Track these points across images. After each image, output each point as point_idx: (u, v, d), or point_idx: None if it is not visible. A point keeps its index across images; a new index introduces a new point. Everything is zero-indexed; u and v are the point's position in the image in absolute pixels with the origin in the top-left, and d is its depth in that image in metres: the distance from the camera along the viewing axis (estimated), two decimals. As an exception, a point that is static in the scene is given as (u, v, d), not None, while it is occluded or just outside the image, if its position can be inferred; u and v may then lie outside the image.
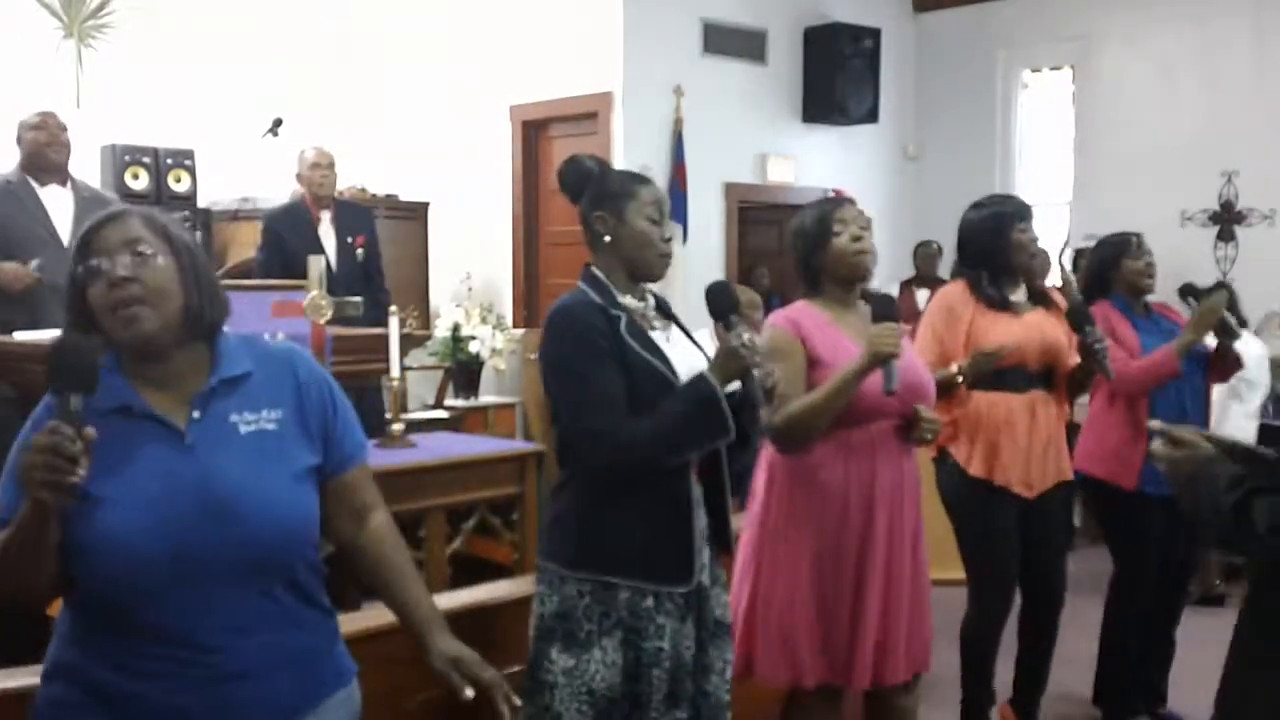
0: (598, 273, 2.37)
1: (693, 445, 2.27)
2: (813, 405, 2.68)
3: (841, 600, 2.75)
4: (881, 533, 2.76)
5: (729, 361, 2.23)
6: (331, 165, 5.62)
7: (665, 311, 2.47)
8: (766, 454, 2.88)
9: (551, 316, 2.34)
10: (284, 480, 1.74)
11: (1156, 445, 1.87)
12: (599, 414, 2.23)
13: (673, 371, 2.29)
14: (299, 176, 5.60)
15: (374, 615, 2.46)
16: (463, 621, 2.64)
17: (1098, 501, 3.90)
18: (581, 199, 2.42)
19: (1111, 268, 3.86)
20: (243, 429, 1.73)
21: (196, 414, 1.71)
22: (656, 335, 2.37)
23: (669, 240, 2.40)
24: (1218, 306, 3.68)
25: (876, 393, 2.67)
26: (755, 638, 2.81)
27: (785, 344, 2.75)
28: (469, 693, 1.86)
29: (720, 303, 2.34)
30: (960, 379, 3.33)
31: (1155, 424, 1.92)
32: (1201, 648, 4.32)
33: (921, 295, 7.50)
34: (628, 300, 2.36)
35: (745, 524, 2.91)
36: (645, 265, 2.37)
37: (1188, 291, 3.98)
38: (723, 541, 2.47)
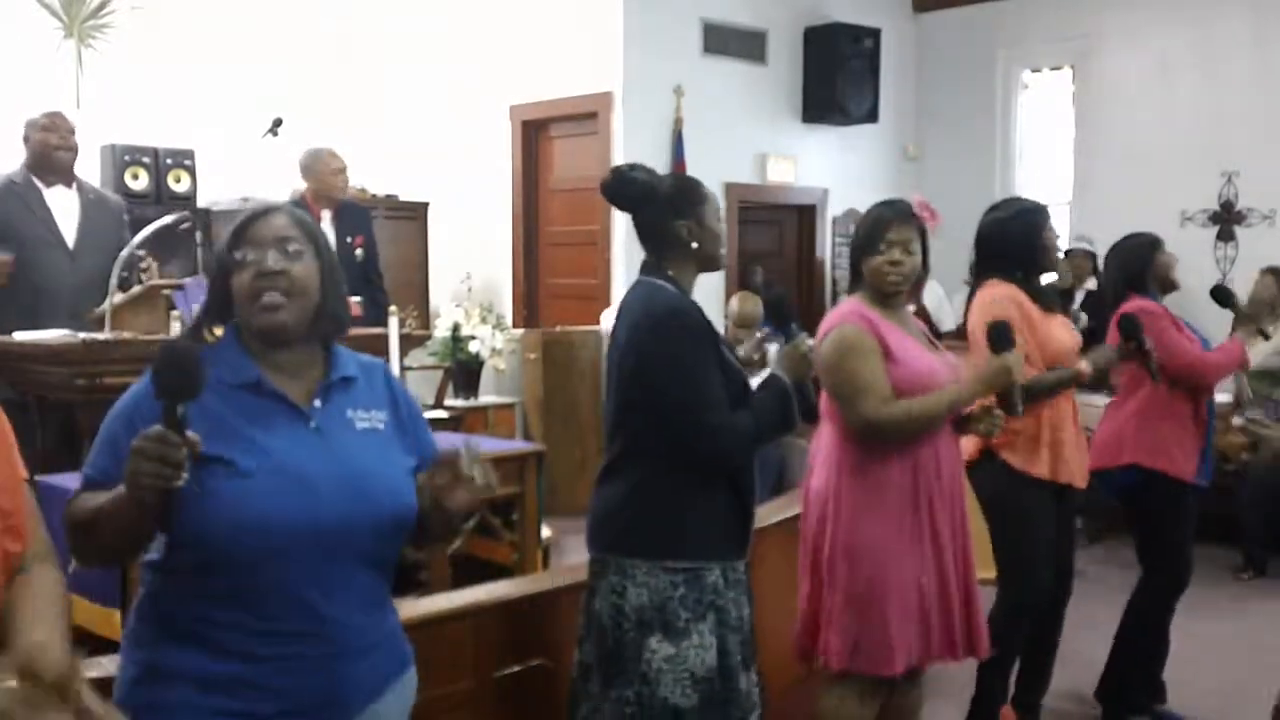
0: (674, 276, 2.54)
1: (769, 439, 2.55)
2: (930, 409, 2.83)
3: (922, 591, 2.85)
4: (946, 518, 2.89)
5: (799, 365, 2.53)
6: (346, 169, 5.67)
7: None
8: (830, 451, 2.92)
9: (663, 315, 2.45)
10: (400, 470, 1.84)
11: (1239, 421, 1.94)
12: (716, 411, 2.41)
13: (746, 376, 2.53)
14: (314, 177, 5.58)
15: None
16: (463, 622, 2.65)
17: (1151, 496, 3.79)
18: (646, 209, 2.56)
19: (1147, 264, 3.87)
20: (358, 424, 1.83)
21: (318, 402, 1.80)
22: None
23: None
24: (1267, 299, 3.77)
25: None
26: (837, 629, 2.85)
27: (868, 342, 2.85)
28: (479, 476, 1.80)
29: (783, 311, 2.58)
30: (1087, 374, 3.45)
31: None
32: (1199, 647, 4.34)
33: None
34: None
35: (803, 516, 2.98)
36: (717, 261, 2.60)
37: (1220, 292, 4.00)
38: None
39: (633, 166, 2.59)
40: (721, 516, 2.47)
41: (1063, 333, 3.49)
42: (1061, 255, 7.42)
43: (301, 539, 1.69)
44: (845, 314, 2.92)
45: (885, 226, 2.89)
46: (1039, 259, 3.49)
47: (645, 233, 2.57)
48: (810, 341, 2.52)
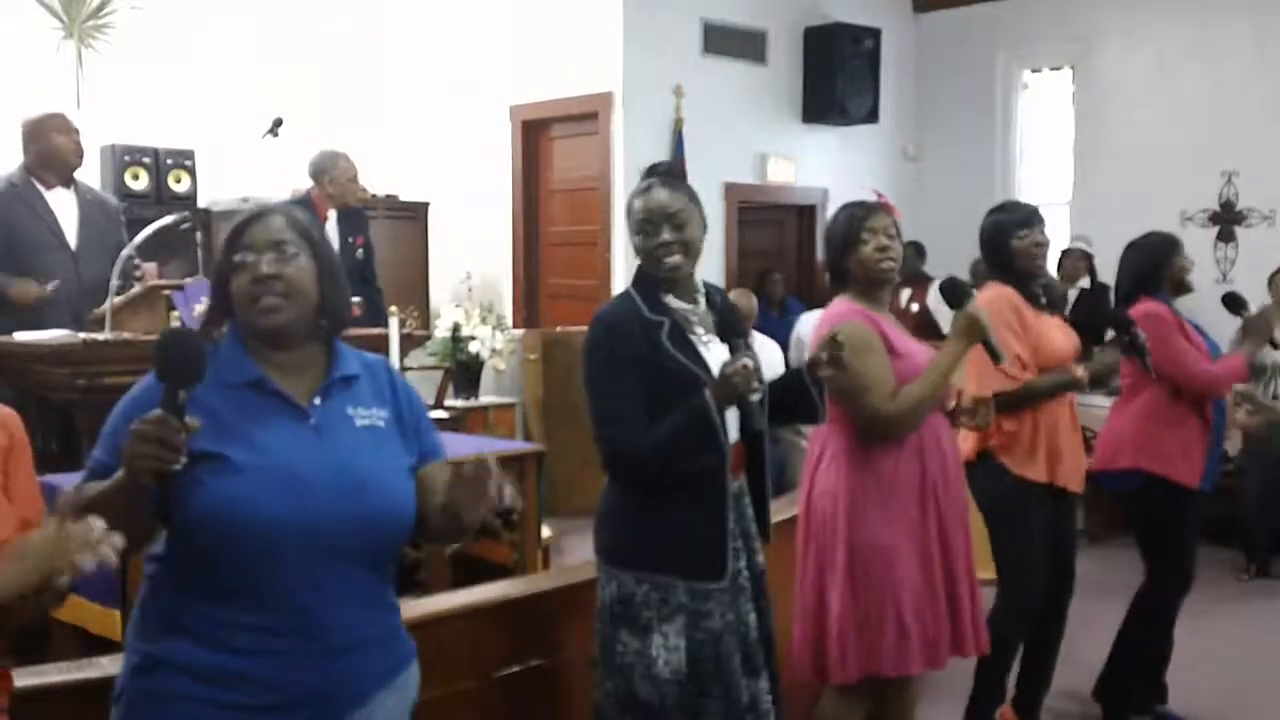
0: (639, 284, 2.52)
1: (688, 460, 2.39)
2: (929, 388, 2.84)
3: (937, 584, 2.86)
4: (948, 517, 2.90)
5: (723, 388, 2.34)
6: (358, 175, 5.74)
7: (720, 313, 2.59)
8: (836, 449, 2.92)
9: (589, 328, 2.49)
10: (400, 469, 1.86)
11: (1242, 415, 1.91)
12: (611, 422, 2.40)
13: (711, 377, 2.41)
14: (331, 180, 5.58)
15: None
16: (463, 622, 2.65)
17: (1152, 501, 3.77)
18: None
19: (1164, 266, 3.82)
20: (358, 422, 1.84)
21: (318, 400, 1.82)
22: (697, 339, 2.48)
23: (660, 244, 2.47)
24: (1271, 318, 3.75)
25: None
26: (842, 633, 2.84)
27: (869, 337, 2.85)
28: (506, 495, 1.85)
29: (731, 327, 2.52)
30: (1083, 380, 3.42)
31: (1240, 389, 1.96)
32: (1199, 647, 4.34)
33: (904, 294, 7.45)
34: (672, 300, 2.48)
35: (805, 517, 2.97)
36: (651, 263, 2.50)
37: (1233, 301, 3.95)
38: (764, 530, 2.61)
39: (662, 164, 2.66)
40: (678, 528, 2.41)
41: (1059, 335, 3.48)
42: (1057, 256, 7.53)
43: (293, 536, 1.70)
44: (842, 313, 2.92)
45: (863, 219, 2.92)
46: (1010, 262, 3.45)
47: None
48: (744, 361, 2.32)
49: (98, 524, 1.49)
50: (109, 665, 2.08)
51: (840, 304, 2.98)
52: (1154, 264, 3.84)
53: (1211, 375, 3.74)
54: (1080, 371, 3.41)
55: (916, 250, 7.74)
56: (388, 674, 1.86)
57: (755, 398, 2.38)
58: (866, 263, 2.90)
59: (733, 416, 2.47)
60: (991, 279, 3.53)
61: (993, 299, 3.42)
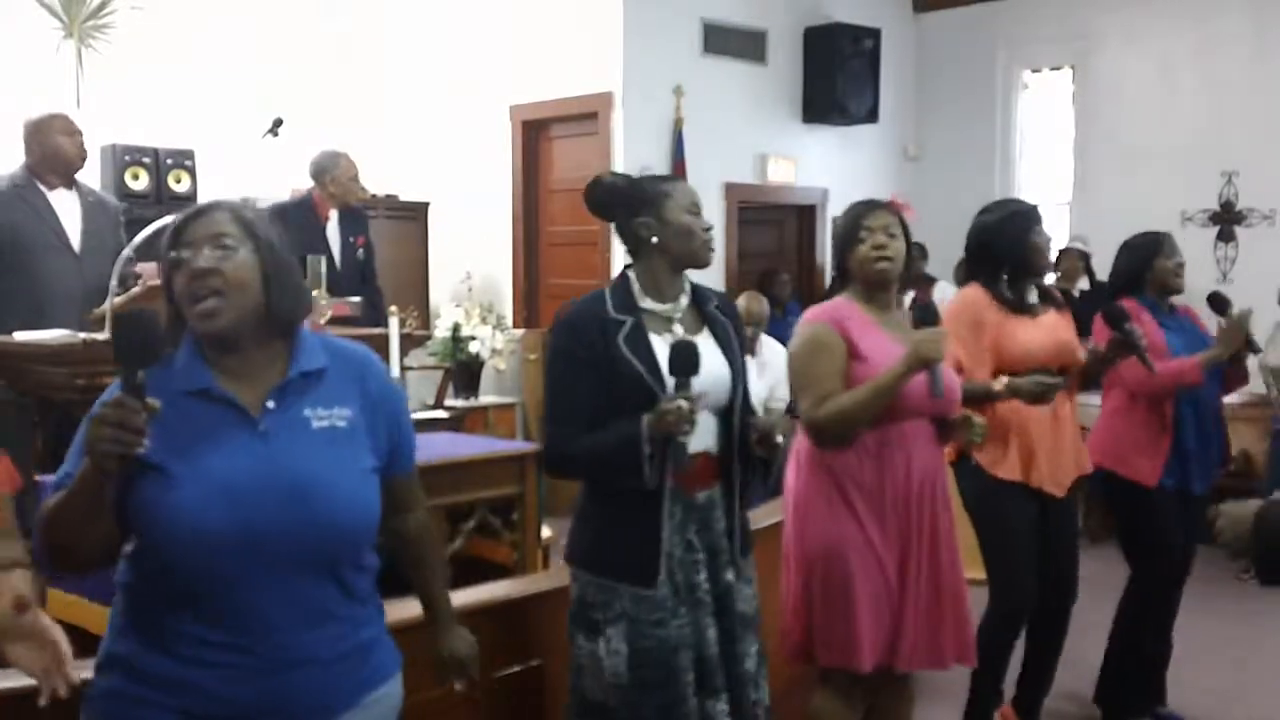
0: (630, 275, 2.51)
1: (609, 477, 2.42)
2: (856, 403, 2.77)
3: (892, 588, 2.83)
4: (916, 525, 2.85)
5: (657, 421, 2.30)
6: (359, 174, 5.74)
7: (704, 314, 2.55)
8: (799, 448, 2.94)
9: (553, 325, 2.54)
10: (352, 473, 1.78)
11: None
12: (555, 420, 2.45)
13: (662, 384, 2.37)
14: (332, 180, 5.58)
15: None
16: (463, 622, 2.65)
17: (1116, 499, 3.84)
18: (615, 212, 2.54)
19: (1144, 267, 3.84)
20: (315, 423, 1.77)
21: (271, 404, 1.75)
22: (659, 341, 2.43)
23: (709, 229, 2.55)
24: (1244, 324, 3.70)
25: (919, 394, 2.75)
26: (812, 626, 2.86)
27: (826, 338, 2.82)
28: (458, 686, 2.06)
29: (677, 364, 2.36)
30: (1002, 393, 3.31)
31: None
32: (1199, 647, 4.34)
33: (907, 297, 7.41)
34: (649, 304, 2.47)
35: (785, 517, 2.98)
36: (691, 255, 2.51)
37: (1217, 301, 3.93)
38: (742, 541, 2.56)
39: (611, 174, 2.60)
40: (624, 538, 2.42)
41: (1033, 334, 3.40)
42: (1054, 256, 7.51)
43: (232, 550, 1.65)
44: (818, 311, 2.92)
45: (862, 216, 2.89)
46: (1028, 260, 3.44)
47: (619, 236, 2.57)
48: (680, 404, 2.27)
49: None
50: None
51: (832, 301, 2.95)
52: (1136, 265, 3.85)
53: (1151, 377, 3.60)
54: (998, 384, 3.29)
55: (920, 251, 7.72)
56: (355, 692, 1.79)
57: (684, 439, 2.31)
58: (863, 262, 2.88)
59: (707, 426, 2.45)
60: (973, 279, 3.51)
61: (958, 304, 3.45)
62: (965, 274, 3.62)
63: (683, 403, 2.29)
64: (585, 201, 2.57)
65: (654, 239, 2.47)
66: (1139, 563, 3.84)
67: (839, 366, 2.80)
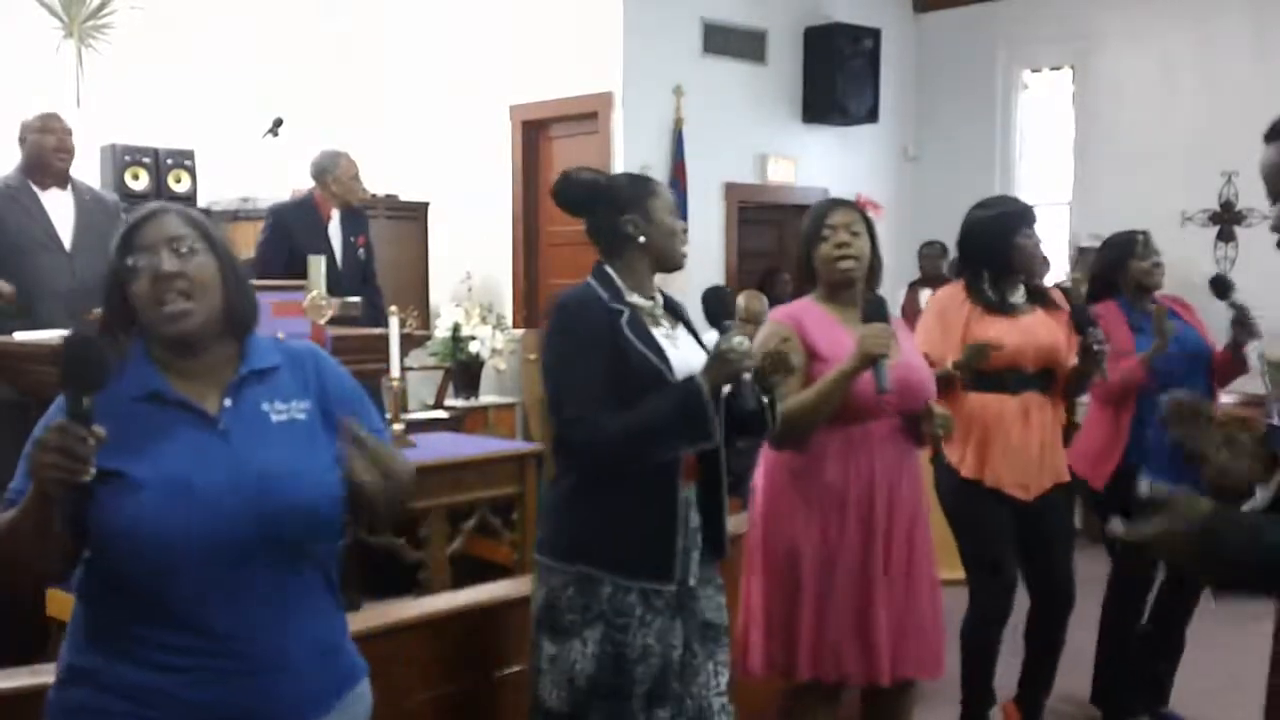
0: (610, 271, 2.46)
1: (668, 444, 2.33)
2: (804, 403, 2.72)
3: (845, 596, 2.77)
4: (881, 529, 2.79)
5: (720, 366, 2.30)
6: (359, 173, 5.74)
7: (675, 312, 2.56)
8: (765, 452, 2.90)
9: (548, 312, 2.43)
10: (315, 466, 1.75)
11: (1116, 526, 1.55)
12: (576, 404, 2.30)
13: (670, 369, 2.35)
14: (334, 179, 5.58)
15: (374, 615, 2.46)
16: (463, 622, 2.65)
17: (1090, 501, 3.90)
18: (595, 209, 2.50)
19: (1118, 268, 3.85)
20: (274, 417, 1.76)
21: (228, 401, 1.73)
22: (659, 333, 2.43)
23: (686, 230, 2.56)
24: (1245, 315, 3.66)
25: (872, 391, 2.68)
26: (756, 632, 2.83)
27: (777, 340, 2.76)
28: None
29: (714, 307, 2.42)
30: (957, 374, 3.33)
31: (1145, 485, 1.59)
32: (1198, 647, 4.34)
33: (925, 295, 7.44)
34: (635, 299, 2.44)
35: (749, 523, 2.92)
36: (672, 256, 2.50)
37: (1220, 284, 3.82)
38: (716, 544, 2.49)
39: (585, 169, 2.56)
40: (625, 529, 2.33)
41: (1004, 332, 3.36)
42: (1068, 255, 7.51)
43: (199, 551, 1.63)
44: (778, 312, 2.89)
45: (825, 214, 2.86)
46: (1010, 260, 3.43)
47: (593, 232, 2.52)
48: (739, 340, 2.30)
49: None
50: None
51: (797, 303, 2.91)
52: (1111, 266, 3.86)
53: (1106, 383, 3.57)
54: (949, 365, 3.28)
55: (941, 250, 7.74)
56: (327, 694, 1.77)
57: (748, 376, 2.32)
58: (825, 261, 2.85)
59: None
60: (961, 275, 3.52)
61: (933, 300, 3.48)
62: (956, 269, 3.63)
63: (737, 339, 2.29)
64: (555, 196, 2.54)
65: (641, 237, 2.45)
66: (1115, 563, 3.84)
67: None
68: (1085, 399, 3.93)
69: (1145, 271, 3.82)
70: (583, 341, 2.34)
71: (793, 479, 2.81)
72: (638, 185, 2.51)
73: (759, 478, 2.91)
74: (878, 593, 2.78)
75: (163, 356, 1.74)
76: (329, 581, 1.81)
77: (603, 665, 2.31)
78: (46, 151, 4.60)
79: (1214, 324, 3.99)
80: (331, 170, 5.59)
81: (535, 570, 2.42)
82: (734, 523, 3.49)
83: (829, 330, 2.82)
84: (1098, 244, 7.02)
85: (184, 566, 1.63)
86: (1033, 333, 3.42)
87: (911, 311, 6.91)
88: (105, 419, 1.56)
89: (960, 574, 3.51)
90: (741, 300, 5.95)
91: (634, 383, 2.31)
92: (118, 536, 1.62)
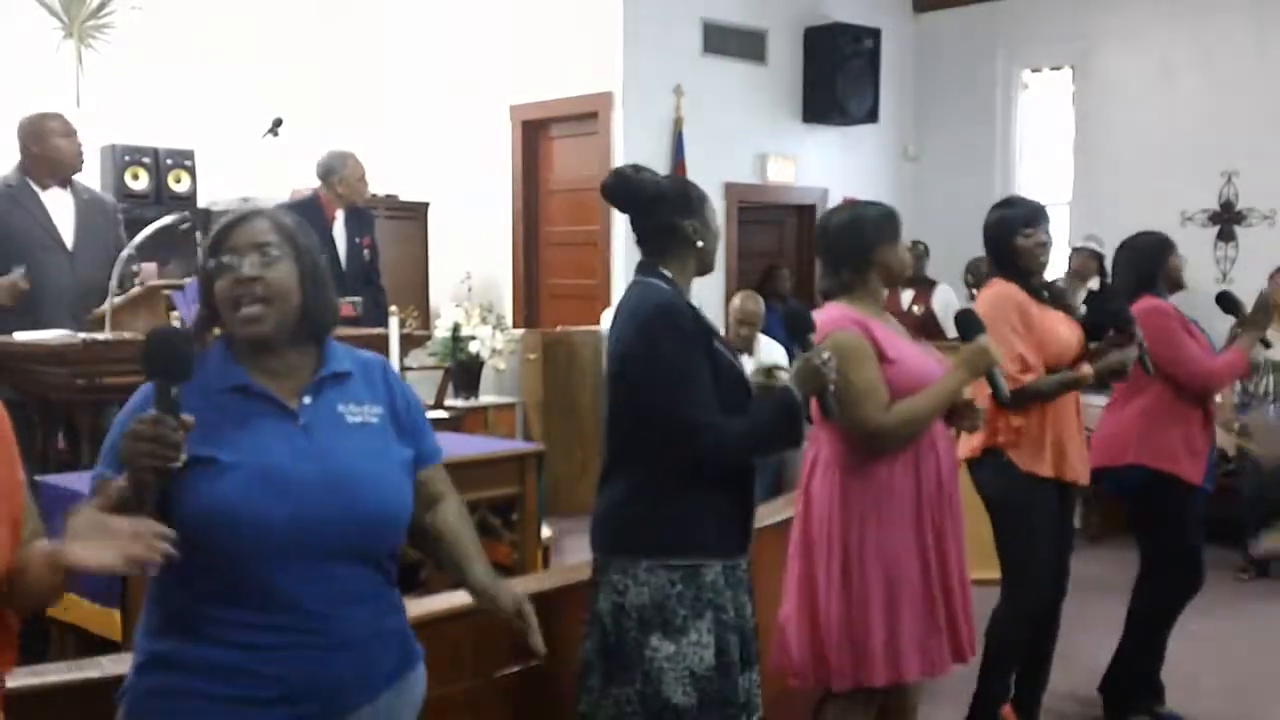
0: (667, 274, 2.52)
1: (770, 450, 2.56)
2: (926, 408, 2.80)
3: (933, 594, 2.83)
4: (949, 529, 2.87)
5: (812, 379, 2.46)
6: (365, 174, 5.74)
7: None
8: (822, 457, 2.89)
9: (649, 313, 2.43)
10: (392, 466, 1.86)
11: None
12: (701, 409, 2.38)
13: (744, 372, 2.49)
14: (340, 180, 5.58)
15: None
16: (462, 621, 2.65)
17: (1152, 496, 3.78)
18: (653, 209, 2.53)
19: (1159, 264, 3.85)
20: (350, 419, 1.84)
21: (308, 399, 1.82)
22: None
23: None
24: (1270, 307, 3.76)
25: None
26: (851, 643, 2.80)
27: (864, 348, 2.80)
28: (539, 644, 2.11)
29: (799, 324, 2.56)
30: (1086, 378, 3.39)
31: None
32: (1199, 647, 4.34)
33: (905, 296, 7.35)
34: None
35: (801, 526, 2.92)
36: (713, 261, 2.60)
37: (1228, 301, 3.93)
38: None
39: (636, 168, 2.57)
40: (719, 513, 2.45)
41: (1064, 329, 3.47)
42: (1050, 255, 7.50)
43: (284, 535, 1.70)
44: (836, 320, 2.85)
45: (898, 222, 2.92)
46: (1013, 260, 3.45)
47: (649, 233, 2.54)
48: (827, 355, 2.46)
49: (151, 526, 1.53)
50: (109, 665, 2.08)
51: (834, 309, 2.91)
52: (1153, 264, 3.86)
53: (1214, 370, 3.76)
54: (1086, 369, 3.39)
55: (924, 250, 7.72)
56: (394, 674, 1.86)
57: (831, 387, 2.48)
58: (899, 264, 2.92)
59: None
60: (996, 275, 3.53)
61: (996, 298, 3.41)
62: (989, 270, 3.64)
63: (826, 354, 2.47)
64: (609, 192, 2.56)
65: (699, 241, 2.52)
66: (1168, 564, 3.80)
67: (877, 372, 2.79)
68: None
69: (1181, 268, 3.89)
70: (694, 345, 2.41)
71: (866, 486, 2.81)
72: (696, 191, 2.58)
73: (823, 485, 2.88)
74: (958, 583, 2.87)
75: (246, 355, 1.82)
76: (394, 568, 1.90)
77: (720, 647, 2.41)
78: (71, 156, 4.59)
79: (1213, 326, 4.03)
80: (339, 171, 5.58)
81: (619, 571, 2.43)
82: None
83: (887, 334, 2.87)
84: (1092, 245, 7.10)
85: (271, 548, 1.70)
86: (1072, 325, 3.53)
87: (892, 311, 6.88)
88: (193, 409, 1.64)
89: (991, 573, 3.51)
90: (738, 301, 5.95)
91: (722, 387, 2.41)
92: (207, 519, 1.68)
